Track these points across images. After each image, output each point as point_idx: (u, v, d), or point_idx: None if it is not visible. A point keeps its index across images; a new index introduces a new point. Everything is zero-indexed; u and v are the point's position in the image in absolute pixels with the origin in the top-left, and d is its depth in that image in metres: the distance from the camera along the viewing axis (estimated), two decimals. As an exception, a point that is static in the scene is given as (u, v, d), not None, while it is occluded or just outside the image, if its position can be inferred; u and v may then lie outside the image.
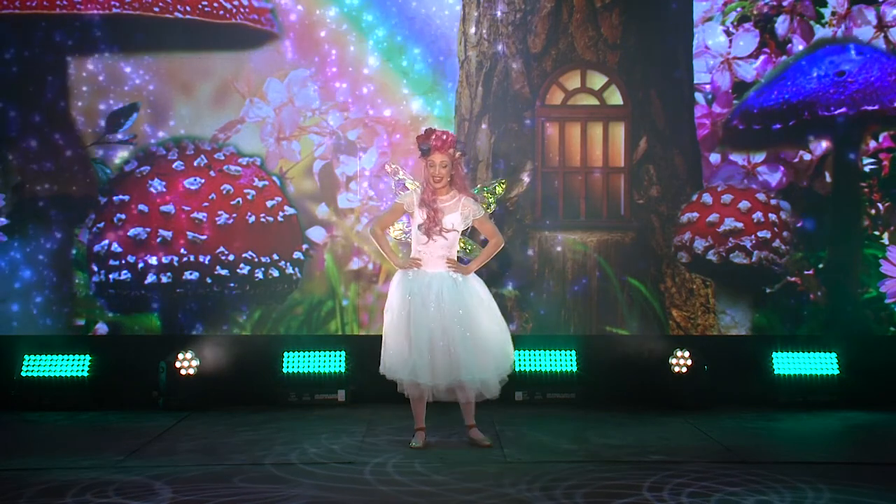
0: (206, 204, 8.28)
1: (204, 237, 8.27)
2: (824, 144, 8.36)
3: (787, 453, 6.60)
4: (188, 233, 8.25)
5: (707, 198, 8.35)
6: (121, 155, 8.33)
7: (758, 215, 8.32)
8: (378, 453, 6.41)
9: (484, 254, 6.72)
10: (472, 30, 8.36)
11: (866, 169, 8.36)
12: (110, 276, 8.26)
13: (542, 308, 8.40)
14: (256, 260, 8.27)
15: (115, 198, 8.29)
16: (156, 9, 8.22)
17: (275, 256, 8.31)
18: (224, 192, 8.28)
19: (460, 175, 6.62)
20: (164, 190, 8.28)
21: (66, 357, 8.18)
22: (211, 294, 8.28)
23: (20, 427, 7.48)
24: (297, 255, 8.35)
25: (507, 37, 8.37)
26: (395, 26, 8.32)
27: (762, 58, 8.37)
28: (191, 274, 8.24)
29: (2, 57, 8.26)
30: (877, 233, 8.37)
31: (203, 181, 8.30)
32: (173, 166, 8.31)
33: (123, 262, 8.24)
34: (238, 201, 8.28)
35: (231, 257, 8.26)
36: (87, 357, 8.19)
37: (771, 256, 8.33)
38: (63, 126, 8.30)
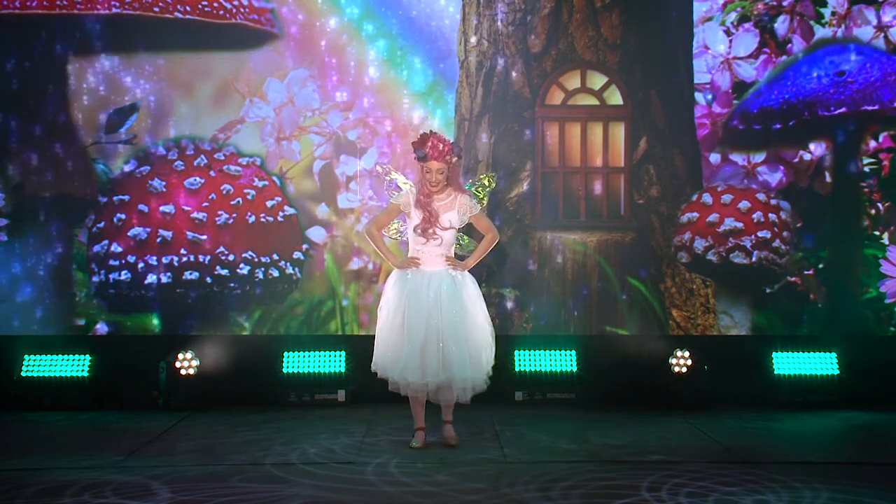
0: (206, 204, 8.28)
1: (204, 237, 8.27)
2: (824, 144, 8.36)
3: (787, 453, 6.60)
4: (188, 233, 8.26)
5: (707, 198, 8.35)
6: (121, 155, 8.34)
7: (758, 215, 8.32)
8: (378, 453, 6.41)
9: (480, 249, 6.73)
10: (472, 30, 8.36)
11: (866, 169, 8.36)
12: (110, 276, 8.26)
13: (541, 308, 8.40)
14: (256, 260, 8.27)
15: (115, 198, 8.29)
16: (156, 9, 8.23)
17: (275, 256, 8.31)
18: (224, 192, 8.28)
19: (456, 175, 6.63)
20: (164, 190, 8.29)
21: (66, 357, 8.18)
22: (211, 294, 8.28)
23: (20, 427, 7.48)
24: (297, 255, 8.35)
25: (507, 37, 8.36)
26: (396, 35, 8.31)
27: (762, 58, 8.37)
28: (191, 274, 8.25)
29: (2, 64, 8.28)
30: (877, 233, 8.37)
31: (203, 181, 8.30)
32: (173, 166, 8.31)
33: (123, 262, 8.24)
34: (238, 201, 8.28)
35: (231, 257, 8.26)
36: (87, 357, 8.19)
37: (771, 256, 8.33)
38: (63, 127, 8.29)
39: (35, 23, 8.24)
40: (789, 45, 8.37)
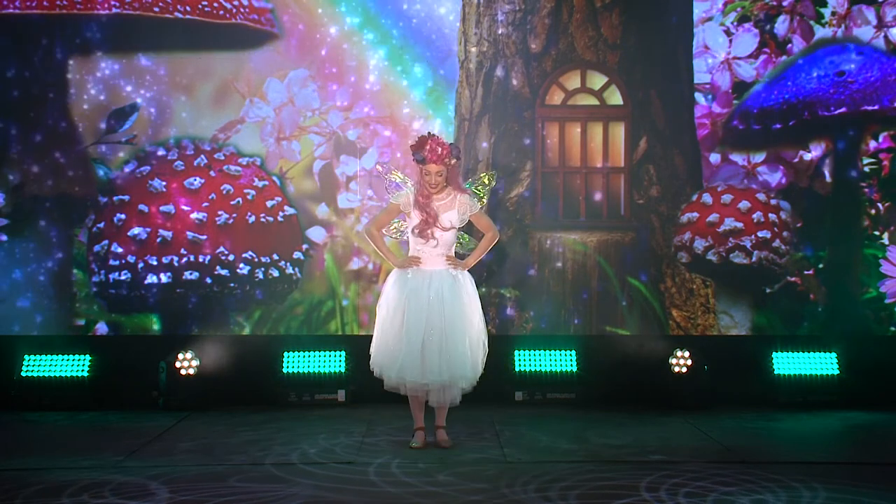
0: (206, 204, 8.28)
1: (204, 237, 8.27)
2: (824, 144, 8.36)
3: (787, 453, 6.60)
4: (188, 233, 8.26)
5: (707, 198, 8.35)
6: (121, 155, 8.34)
7: (758, 215, 8.32)
8: (378, 453, 6.41)
9: (480, 248, 6.73)
10: (472, 30, 8.35)
11: (866, 169, 8.35)
12: (110, 276, 8.26)
13: (541, 308, 8.40)
14: (256, 260, 8.27)
15: (115, 198, 8.30)
16: (156, 9, 8.23)
17: (275, 256, 8.31)
18: (224, 192, 8.29)
19: (455, 176, 6.63)
20: (164, 190, 8.29)
21: (66, 357, 8.18)
22: (211, 294, 8.28)
23: (20, 427, 7.48)
24: (297, 255, 8.35)
25: (507, 37, 8.36)
26: (396, 42, 8.31)
27: (762, 58, 8.37)
28: (191, 274, 8.25)
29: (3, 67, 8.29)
30: (877, 233, 8.37)
31: (203, 181, 8.30)
32: (173, 166, 8.31)
33: (123, 262, 8.25)
34: (238, 201, 8.28)
35: (231, 257, 8.26)
36: (87, 357, 8.19)
37: (771, 256, 8.33)
38: (62, 127, 8.29)
39: (36, 25, 8.24)
40: (789, 45, 8.37)
